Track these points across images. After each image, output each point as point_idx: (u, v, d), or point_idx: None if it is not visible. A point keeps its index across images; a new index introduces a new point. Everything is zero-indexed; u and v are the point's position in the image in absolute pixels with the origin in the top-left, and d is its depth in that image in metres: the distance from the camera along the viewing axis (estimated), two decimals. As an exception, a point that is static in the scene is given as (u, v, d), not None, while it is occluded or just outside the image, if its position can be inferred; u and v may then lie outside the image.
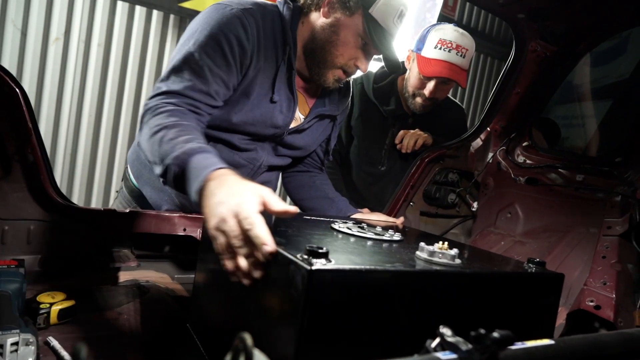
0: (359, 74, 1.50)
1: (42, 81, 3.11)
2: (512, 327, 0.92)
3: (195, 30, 1.27)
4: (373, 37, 1.33)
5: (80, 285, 1.45)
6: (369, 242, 1.00)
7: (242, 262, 0.81)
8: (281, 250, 0.76)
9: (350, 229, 1.09)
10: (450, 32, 1.86)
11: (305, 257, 0.71)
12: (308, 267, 0.68)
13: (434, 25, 1.92)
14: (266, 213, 0.84)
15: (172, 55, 1.31)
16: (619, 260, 1.32)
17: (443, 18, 4.36)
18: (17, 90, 1.22)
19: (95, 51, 3.25)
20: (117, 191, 1.78)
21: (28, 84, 3.04)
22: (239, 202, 0.83)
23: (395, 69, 1.48)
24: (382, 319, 0.77)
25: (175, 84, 1.23)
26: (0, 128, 1.24)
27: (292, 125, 1.50)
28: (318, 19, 1.38)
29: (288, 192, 1.81)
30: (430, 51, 1.85)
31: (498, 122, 1.91)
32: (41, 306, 1.16)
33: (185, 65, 1.24)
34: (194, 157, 1.01)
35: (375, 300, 0.76)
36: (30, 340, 0.88)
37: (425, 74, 1.86)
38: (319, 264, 0.69)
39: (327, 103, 1.58)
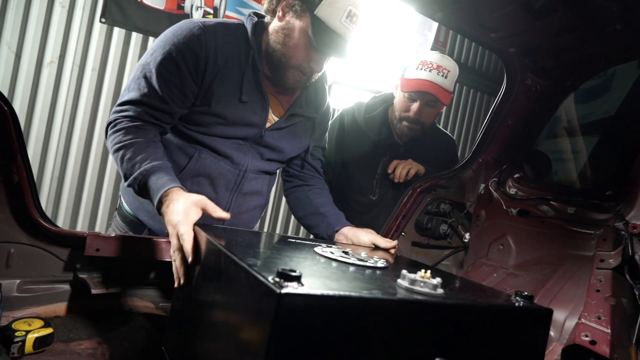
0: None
1: (34, 103, 3.09)
2: None
3: (153, 47, 1.40)
4: (316, 38, 1.38)
5: (60, 312, 1.40)
6: (351, 268, 0.96)
7: (178, 266, 1.06)
8: (252, 271, 0.73)
9: (333, 254, 1.06)
10: (431, 54, 1.93)
11: (277, 279, 0.68)
12: (277, 291, 0.64)
13: (418, 53, 1.99)
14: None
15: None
16: (613, 294, 1.30)
17: (434, 53, 4.48)
18: (6, 108, 1.20)
19: (89, 75, 3.25)
20: (109, 223, 1.77)
21: (19, 105, 3.02)
22: (178, 221, 1.07)
23: (342, 56, 1.47)
24: (356, 349, 0.72)
25: (132, 93, 1.37)
26: (-15, 147, 1.21)
27: (268, 125, 1.56)
28: (275, 23, 1.46)
29: (291, 210, 1.83)
30: (412, 72, 1.91)
31: (489, 154, 1.92)
32: (16, 334, 1.11)
33: (141, 75, 1.37)
34: (149, 180, 1.21)
35: (349, 329, 0.71)
36: (1, 370, 0.83)
37: (406, 90, 1.92)
38: (290, 287, 0.66)
39: (303, 104, 1.63)
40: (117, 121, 1.34)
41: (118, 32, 3.29)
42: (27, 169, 1.27)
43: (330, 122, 1.83)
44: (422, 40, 4.26)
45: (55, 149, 3.20)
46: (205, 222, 1.13)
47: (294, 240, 1.21)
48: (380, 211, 2.11)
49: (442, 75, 1.87)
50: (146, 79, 1.36)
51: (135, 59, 3.37)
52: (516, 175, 1.87)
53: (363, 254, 1.12)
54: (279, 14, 1.43)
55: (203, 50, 1.38)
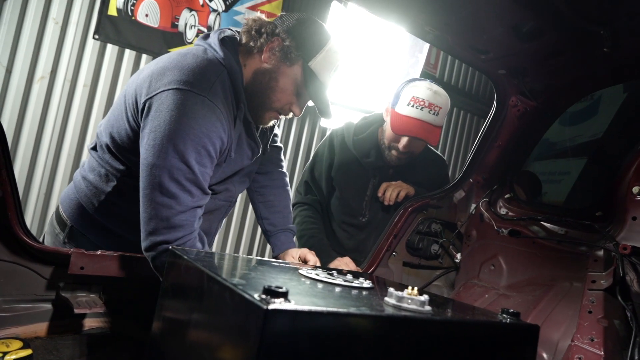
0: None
1: (23, 118, 3.06)
2: None
3: (175, 133, 1.22)
4: (310, 89, 1.41)
5: (40, 332, 1.35)
6: (337, 288, 0.95)
7: None
8: (238, 290, 0.71)
9: (318, 275, 1.05)
10: (423, 90, 1.86)
11: (263, 296, 0.66)
12: (264, 307, 0.63)
13: (410, 81, 1.96)
14: None
15: (157, 156, 1.23)
16: (605, 315, 1.29)
17: (425, 74, 4.54)
18: (-8, 123, 1.18)
19: (81, 91, 3.23)
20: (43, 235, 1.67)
21: (8, 120, 2.98)
22: None
23: (326, 116, 1.51)
24: None
25: (185, 198, 1.26)
26: (-31, 161, 1.19)
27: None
28: (259, 63, 1.41)
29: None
30: (403, 108, 1.87)
31: (480, 174, 1.93)
32: (-7, 355, 1.07)
33: (183, 177, 1.25)
34: None
35: (339, 346, 0.70)
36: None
37: (396, 132, 1.89)
38: (276, 303, 0.65)
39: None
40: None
41: (111, 49, 3.29)
42: (12, 184, 1.24)
43: (320, 143, 1.85)
44: (413, 62, 4.32)
45: (44, 164, 3.16)
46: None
47: (277, 264, 1.19)
48: (371, 232, 2.10)
49: (434, 113, 1.85)
50: (191, 182, 1.26)
51: (127, 75, 3.37)
52: (507, 196, 1.87)
53: (349, 276, 1.11)
54: (265, 55, 1.38)
55: (226, 134, 1.34)
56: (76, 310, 1.33)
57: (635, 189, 1.40)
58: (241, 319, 0.70)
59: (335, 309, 0.71)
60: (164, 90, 1.24)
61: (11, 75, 2.99)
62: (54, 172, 3.22)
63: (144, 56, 3.42)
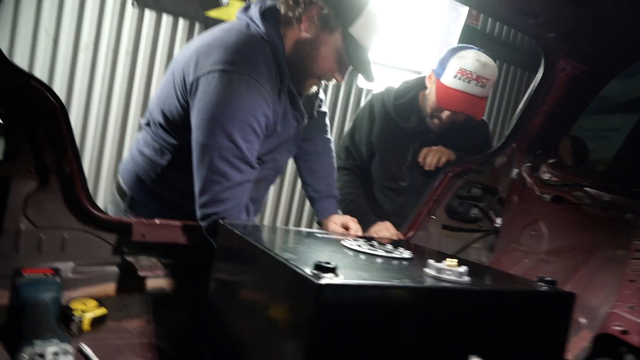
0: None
1: (72, 88, 3.20)
2: (523, 346, 0.93)
3: (222, 114, 1.29)
4: (352, 56, 1.39)
5: (110, 292, 1.50)
6: (379, 260, 1.01)
7: None
8: (291, 265, 0.78)
9: (360, 247, 1.10)
10: (471, 61, 1.82)
11: (315, 271, 0.72)
12: (317, 282, 0.69)
13: (457, 50, 1.89)
14: None
15: (207, 136, 1.31)
16: (647, 284, 1.30)
17: (467, 28, 4.33)
18: (57, 105, 1.27)
19: (123, 59, 3.33)
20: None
21: (58, 90, 3.13)
22: None
23: (370, 80, 1.49)
24: (391, 334, 0.77)
25: (234, 175, 1.33)
26: (40, 141, 1.29)
27: None
28: (299, 33, 1.40)
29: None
30: (450, 80, 1.83)
31: (524, 139, 1.89)
32: (74, 313, 1.21)
33: (231, 155, 1.31)
34: None
35: (384, 316, 0.76)
36: (69, 350, 0.91)
37: (442, 106, 1.87)
38: (327, 278, 0.71)
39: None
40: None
41: (149, 16, 3.33)
42: (77, 161, 1.35)
43: (360, 108, 1.85)
44: (454, 16, 4.13)
45: (93, 132, 3.32)
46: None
47: (320, 235, 1.26)
48: (411, 197, 2.13)
49: (481, 86, 1.81)
50: (237, 158, 1.33)
51: (166, 41, 3.42)
52: (551, 161, 1.84)
53: (389, 246, 1.16)
54: (305, 24, 1.38)
55: (271, 110, 1.38)
56: (140, 273, 1.47)
57: (688, 157, 1.36)
58: (295, 292, 0.77)
59: (379, 282, 0.77)
60: (210, 72, 1.28)
61: (58, 45, 3.10)
62: (103, 139, 3.38)
63: (181, 22, 3.44)
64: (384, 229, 1.82)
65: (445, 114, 1.88)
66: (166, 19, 3.40)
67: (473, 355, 0.58)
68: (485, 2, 1.39)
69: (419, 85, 2.07)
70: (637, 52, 1.52)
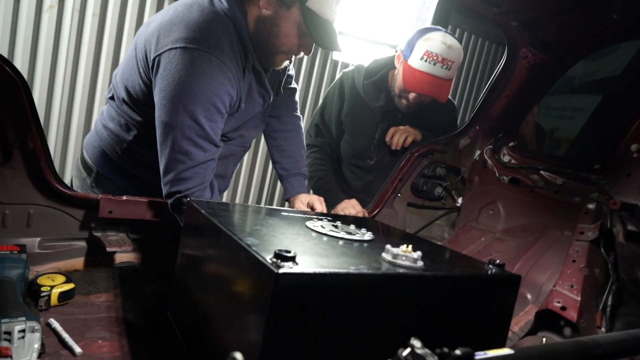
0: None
1: (36, 50, 3.07)
2: (472, 323, 1.00)
3: (184, 93, 1.28)
4: (311, 30, 1.37)
5: (78, 266, 1.52)
6: (340, 242, 1.05)
7: None
8: (252, 252, 0.82)
9: (323, 227, 1.15)
10: (437, 43, 1.84)
11: (274, 260, 0.77)
12: (275, 270, 0.73)
13: (424, 32, 1.90)
14: None
15: (169, 115, 1.31)
16: (587, 264, 1.41)
17: (442, 2, 4.30)
18: (17, 79, 1.24)
19: (90, 21, 3.20)
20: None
21: (21, 52, 3.01)
22: None
23: (336, 50, 1.49)
24: (347, 318, 0.83)
25: (197, 153, 1.35)
26: (1, 117, 1.27)
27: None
28: (259, 10, 1.39)
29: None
30: (416, 62, 1.85)
31: (486, 122, 1.96)
32: (42, 289, 1.23)
33: (194, 135, 1.33)
34: None
35: (340, 300, 0.82)
36: (36, 327, 0.94)
37: (408, 88, 1.90)
38: (285, 267, 0.75)
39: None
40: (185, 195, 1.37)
41: (117, -24, 3.20)
42: (40, 136, 1.34)
43: (330, 86, 1.85)
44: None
45: (59, 102, 3.22)
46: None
47: (286, 214, 1.30)
48: (378, 174, 2.19)
49: (446, 68, 1.84)
50: (201, 137, 1.34)
51: (135, 3, 3.29)
52: (511, 144, 1.92)
53: (352, 227, 1.21)
54: (262, 1, 1.37)
55: (234, 88, 1.37)
56: (108, 249, 1.49)
57: (633, 147, 1.45)
58: (255, 277, 0.82)
59: (335, 270, 0.82)
60: (171, 49, 1.27)
61: (20, 5, 2.95)
62: (70, 110, 3.29)
63: (151, -16, 3.31)
64: (350, 207, 1.89)
65: (412, 95, 1.92)
66: (135, -19, 3.27)
67: (414, 338, 0.63)
68: (453, -11, 1.41)
69: (389, 64, 2.08)
70: (596, 42, 1.57)
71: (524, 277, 1.25)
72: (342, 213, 1.84)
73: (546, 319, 1.42)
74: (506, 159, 1.94)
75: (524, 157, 1.88)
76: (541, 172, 1.79)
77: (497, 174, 1.91)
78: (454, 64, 1.83)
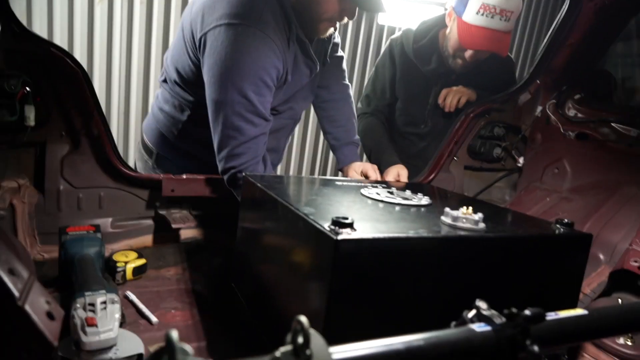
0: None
1: (92, 42, 3.22)
2: (540, 286, 0.96)
3: (231, 69, 1.30)
4: None
5: (147, 243, 1.62)
6: (397, 208, 1.04)
7: None
8: (310, 220, 0.83)
9: (379, 194, 1.13)
10: None
11: (332, 227, 0.77)
12: (334, 237, 0.73)
13: None
14: None
15: (218, 92, 1.33)
16: (668, 221, 1.30)
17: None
18: (78, 70, 1.31)
19: (139, 9, 3.29)
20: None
21: (79, 45, 3.16)
22: None
23: (380, 11, 1.44)
24: (408, 282, 0.82)
25: (249, 129, 1.37)
26: (67, 106, 1.35)
27: None
28: None
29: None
30: (472, 17, 1.73)
31: (548, 75, 1.82)
32: (118, 265, 1.32)
33: (244, 110, 1.34)
34: None
35: (400, 265, 0.81)
36: (115, 299, 1.02)
37: (465, 46, 1.78)
38: (344, 233, 0.75)
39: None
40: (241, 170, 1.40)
41: (160, -39, 3.25)
42: (103, 123, 1.41)
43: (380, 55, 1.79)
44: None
45: (117, 90, 3.37)
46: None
47: (340, 184, 1.29)
48: (432, 141, 2.11)
49: (505, 20, 1.70)
50: (252, 113, 1.36)
51: (180, -13, 3.35)
52: (577, 97, 1.78)
53: (407, 192, 1.19)
54: None
55: (280, 61, 1.38)
56: (173, 226, 1.57)
57: None
58: (314, 245, 0.83)
59: (394, 235, 0.81)
60: (216, 26, 1.28)
61: (74, 1, 3.09)
62: (127, 96, 3.44)
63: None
64: (396, 173, 1.82)
65: (469, 53, 1.81)
66: (178, -36, 3.30)
67: (479, 299, 0.61)
68: None
69: (439, 24, 1.98)
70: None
71: (595, 237, 1.17)
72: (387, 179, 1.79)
73: (622, 280, 1.33)
74: (572, 113, 1.80)
75: (593, 110, 1.74)
76: (612, 124, 1.65)
77: (562, 130, 1.79)
78: (512, 14, 1.70)
